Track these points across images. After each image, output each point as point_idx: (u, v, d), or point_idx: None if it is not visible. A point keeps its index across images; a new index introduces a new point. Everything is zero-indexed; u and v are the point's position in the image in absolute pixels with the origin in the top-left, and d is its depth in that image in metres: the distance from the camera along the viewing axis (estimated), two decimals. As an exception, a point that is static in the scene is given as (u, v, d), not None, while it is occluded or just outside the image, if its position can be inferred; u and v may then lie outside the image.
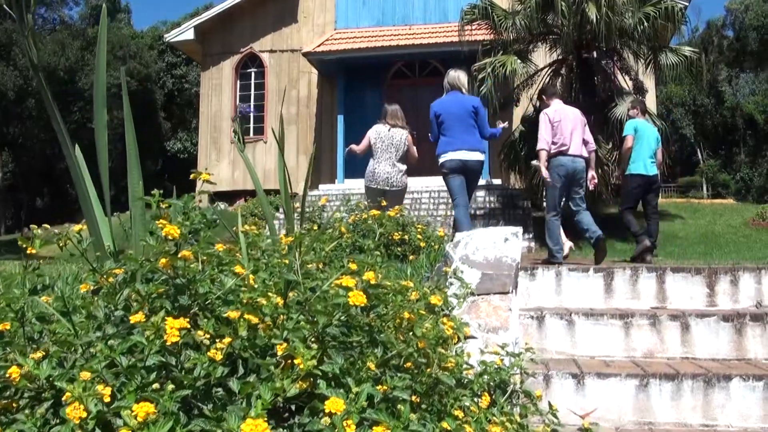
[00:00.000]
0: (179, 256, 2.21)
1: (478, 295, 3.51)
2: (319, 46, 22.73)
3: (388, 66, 23.65)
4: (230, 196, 24.99)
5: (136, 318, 1.93)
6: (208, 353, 1.87)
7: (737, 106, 44.15)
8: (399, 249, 6.35)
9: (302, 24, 24.94)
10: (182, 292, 2.25)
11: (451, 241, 4.39)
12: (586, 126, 8.94)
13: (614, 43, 17.44)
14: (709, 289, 4.61)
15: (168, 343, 1.86)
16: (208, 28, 25.49)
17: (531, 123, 18.39)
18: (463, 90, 8.79)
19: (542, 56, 19.38)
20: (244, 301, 2.25)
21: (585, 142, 8.79)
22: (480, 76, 16.86)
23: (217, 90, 25.49)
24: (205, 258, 2.43)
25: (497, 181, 20.20)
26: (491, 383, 2.76)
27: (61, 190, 42.26)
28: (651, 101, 21.42)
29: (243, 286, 2.35)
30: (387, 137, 9.46)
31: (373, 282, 2.18)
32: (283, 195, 4.03)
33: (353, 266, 2.50)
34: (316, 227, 6.39)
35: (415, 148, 9.67)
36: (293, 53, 24.49)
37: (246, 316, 2.00)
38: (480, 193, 19.60)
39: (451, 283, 3.82)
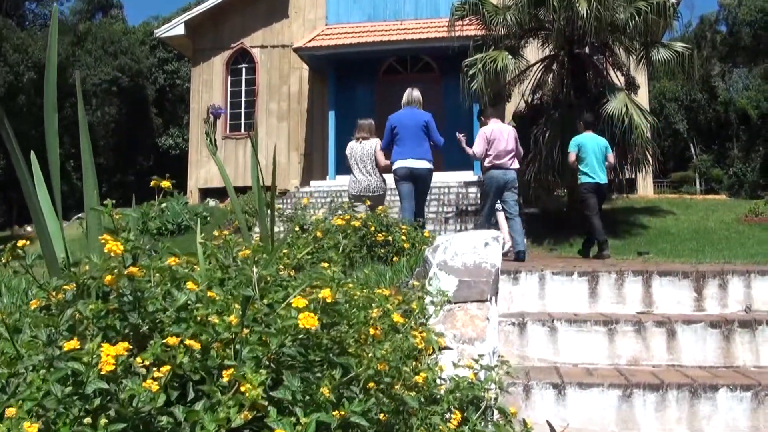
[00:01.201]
0: (126, 272, 2.07)
1: (455, 303, 3.39)
2: (309, 41, 22.59)
3: (379, 61, 23.53)
4: (221, 193, 24.83)
5: (70, 345, 1.79)
6: (144, 383, 1.73)
7: (730, 101, 44.05)
8: (382, 250, 6.22)
9: (293, 19, 24.79)
10: (132, 310, 2.12)
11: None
12: (518, 141, 10.63)
13: (606, 38, 17.34)
14: (696, 294, 4.48)
15: (103, 372, 1.72)
16: (198, 23, 25.31)
17: (522, 119, 18.29)
18: (419, 106, 9.98)
19: (534, 52, 19.26)
20: (198, 318, 2.12)
21: (516, 156, 10.46)
22: (470, 72, 16.74)
23: (208, 86, 25.33)
24: (158, 273, 2.30)
25: (489, 177, 20.05)
26: (464, 399, 2.63)
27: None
28: (643, 96, 21.34)
29: (199, 302, 2.22)
30: (358, 150, 10.20)
31: (329, 300, 2.05)
32: (256, 196, 3.88)
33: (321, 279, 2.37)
34: (297, 228, 6.25)
35: (381, 154, 10.10)
36: (284, 49, 24.34)
37: (187, 341, 1.87)
38: (472, 189, 19.51)
39: (428, 291, 3.70)
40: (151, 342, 1.99)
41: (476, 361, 2.80)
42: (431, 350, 3.04)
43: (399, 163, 9.47)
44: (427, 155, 9.55)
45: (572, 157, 11.59)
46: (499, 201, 10.77)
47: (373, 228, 6.19)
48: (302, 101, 24.56)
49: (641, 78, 19.32)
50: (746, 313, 4.37)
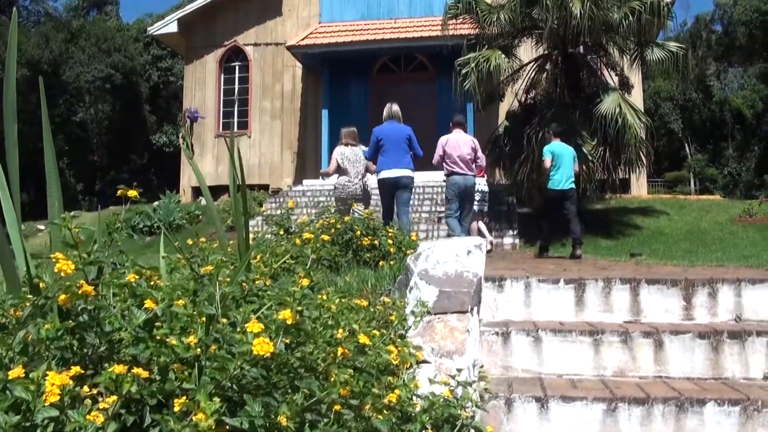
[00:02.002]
0: (80, 291, 1.97)
1: (435, 314, 3.29)
2: (303, 39, 22.47)
3: (373, 60, 23.43)
4: (214, 191, 24.68)
5: (15, 373, 1.69)
6: (89, 415, 1.63)
7: (725, 101, 43.98)
8: (368, 255, 6.13)
9: (287, 17, 24.67)
10: (89, 329, 2.03)
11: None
12: (478, 150, 11.55)
13: (600, 38, 17.29)
14: (685, 302, 4.38)
15: (46, 404, 1.62)
16: (191, 20, 25.18)
17: (516, 118, 18.22)
18: (399, 120, 10.77)
19: (527, 51, 19.20)
20: (159, 338, 2.03)
21: (475, 161, 11.36)
22: (463, 72, 16.66)
23: (201, 84, 25.21)
24: (118, 289, 2.20)
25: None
26: (439, 418, 2.53)
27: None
28: (638, 96, 21.27)
29: (159, 320, 2.13)
30: (351, 155, 10.93)
31: (290, 322, 1.95)
32: (234, 205, 3.78)
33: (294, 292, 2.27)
34: (282, 231, 6.15)
35: (371, 163, 10.99)
36: (277, 47, 24.23)
37: (135, 370, 1.77)
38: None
39: (407, 302, 3.61)
40: (106, 365, 1.90)
41: (453, 377, 2.71)
42: (409, 364, 2.95)
43: (385, 173, 10.33)
44: (410, 165, 10.46)
45: (548, 162, 12.20)
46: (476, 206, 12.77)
47: (358, 232, 6.10)
48: (295, 99, 24.46)
49: (636, 78, 19.25)
50: (736, 323, 4.28)
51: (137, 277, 2.27)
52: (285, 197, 21.20)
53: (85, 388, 1.75)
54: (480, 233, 13.82)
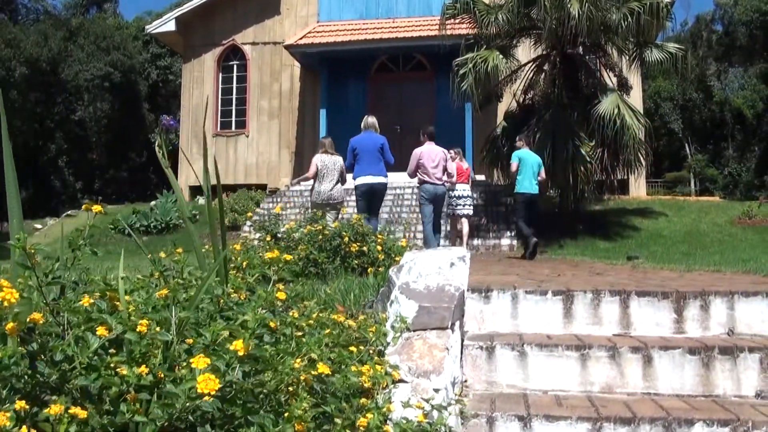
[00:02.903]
0: (29, 319, 1.87)
1: (414, 330, 3.17)
2: (301, 39, 22.38)
3: (371, 59, 23.33)
4: (211, 191, 24.61)
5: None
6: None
7: (726, 101, 43.80)
8: (356, 261, 6.03)
9: (285, 16, 24.58)
10: (38, 358, 1.93)
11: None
12: (448, 161, 12.49)
13: (598, 38, 17.18)
14: (677, 315, 4.25)
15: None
16: (189, 19, 25.09)
17: (514, 119, 18.12)
18: (375, 131, 11.72)
19: (526, 52, 19.10)
20: (113, 366, 1.92)
21: (445, 171, 12.24)
22: (461, 72, 16.55)
23: (199, 82, 25.13)
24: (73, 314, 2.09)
25: (480, 177, 19.86)
26: (413, 445, 2.43)
27: (45, 182, 41.78)
28: (637, 97, 21.16)
29: (114, 347, 2.02)
30: (330, 162, 11.70)
31: (242, 353, 1.84)
32: (209, 218, 3.67)
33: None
34: (269, 238, 6.04)
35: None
36: (276, 46, 24.14)
37: (72, 410, 1.66)
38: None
39: (388, 316, 3.50)
40: (54, 397, 1.80)
41: (428, 401, 2.60)
42: (385, 383, 2.85)
43: (360, 179, 11.26)
44: (383, 172, 11.40)
45: (514, 167, 13.21)
46: (454, 209, 14.75)
47: (346, 238, 5.99)
48: (294, 99, 24.36)
49: (635, 78, 19.15)
50: (729, 336, 4.16)
51: (93, 300, 2.17)
52: (282, 197, 21.12)
53: (24, 429, 1.63)
54: (461, 234, 15.11)
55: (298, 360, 2.13)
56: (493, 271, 8.81)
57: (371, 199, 11.40)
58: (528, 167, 13.11)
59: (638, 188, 22.49)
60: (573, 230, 17.28)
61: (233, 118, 24.92)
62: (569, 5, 15.46)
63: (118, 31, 41.47)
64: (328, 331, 3.23)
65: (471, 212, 15.34)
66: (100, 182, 43.71)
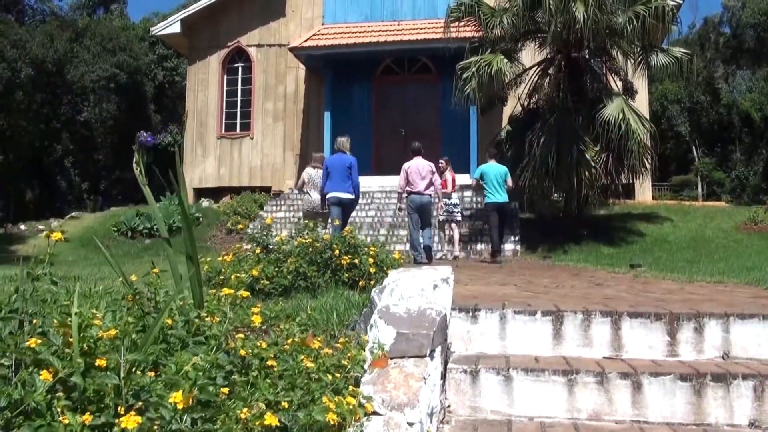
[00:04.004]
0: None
1: (392, 358, 3.06)
2: (306, 41, 22.31)
3: (376, 62, 23.25)
4: (216, 193, 24.60)
5: None
6: None
7: (733, 104, 43.50)
8: (347, 275, 5.91)
9: (290, 18, 24.51)
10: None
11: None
12: (434, 174, 13.61)
13: (603, 42, 17.05)
14: (670, 337, 4.11)
15: None
16: (194, 21, 25.05)
17: (518, 123, 17.99)
18: (346, 152, 13.12)
19: (531, 55, 18.98)
20: (59, 410, 1.82)
21: (431, 185, 13.42)
22: (464, 76, 16.44)
23: (204, 84, 25.08)
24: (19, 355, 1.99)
25: (485, 181, 19.76)
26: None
27: (50, 182, 41.81)
28: (643, 101, 21.00)
29: (65, 388, 1.91)
30: (316, 176, 13.68)
31: (181, 406, 1.73)
32: (187, 238, 3.57)
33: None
34: (259, 250, 5.93)
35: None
36: (281, 48, 24.08)
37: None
38: (467, 194, 19.27)
39: (368, 339, 3.39)
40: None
41: (403, 435, 2.49)
42: (359, 416, 2.74)
43: (330, 194, 12.81)
44: (349, 189, 12.82)
45: (474, 182, 15.12)
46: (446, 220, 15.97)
47: (337, 251, 5.88)
48: (298, 101, 24.29)
49: (641, 82, 18.98)
50: (724, 360, 4.02)
51: (42, 339, 2.06)
52: (286, 200, 21.04)
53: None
54: (451, 241, 16.24)
55: (245, 410, 2.01)
56: (491, 281, 8.70)
57: (342, 209, 12.81)
58: (492, 179, 14.47)
59: (644, 192, 22.34)
60: (578, 235, 17.16)
61: (238, 120, 24.87)
62: (574, 9, 15.33)
63: (125, 33, 41.41)
64: (303, 357, 3.13)
65: (458, 218, 16.27)
66: (105, 183, 43.68)
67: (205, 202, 24.05)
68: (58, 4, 43.42)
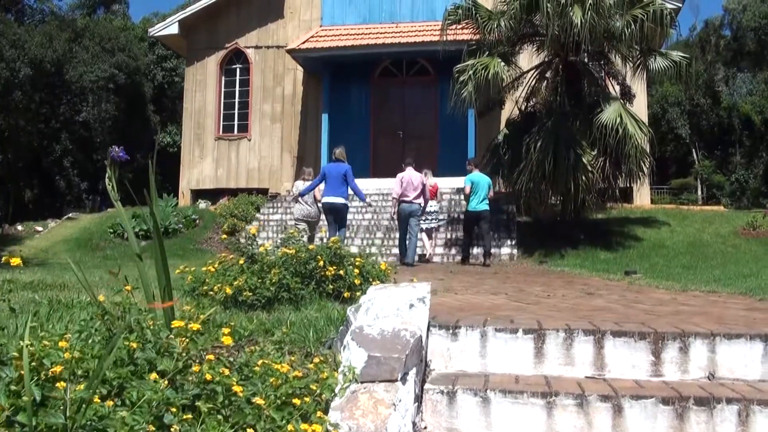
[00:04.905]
0: None
1: (362, 382, 2.97)
2: (303, 43, 22.24)
3: (374, 64, 23.17)
4: (213, 194, 24.53)
5: None
6: None
7: (734, 107, 43.39)
8: (332, 286, 5.82)
9: (288, 20, 24.44)
10: None
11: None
12: (426, 184, 15.17)
13: (601, 46, 16.97)
14: (654, 357, 4.01)
15: None
16: (192, 22, 25.00)
17: (515, 127, 17.90)
18: (343, 160, 14.33)
19: (528, 58, 18.90)
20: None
21: (422, 194, 14.86)
22: (461, 79, 16.34)
23: (202, 86, 25.01)
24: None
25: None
26: None
27: (49, 182, 41.73)
28: (642, 104, 20.94)
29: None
30: (303, 187, 15.15)
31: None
32: (158, 256, 3.48)
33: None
34: (242, 261, 5.84)
35: (318, 191, 14.71)
36: (279, 49, 24.01)
37: None
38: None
39: (341, 361, 3.30)
40: None
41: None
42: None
43: (325, 198, 14.11)
44: (344, 195, 14.14)
45: (467, 189, 15.50)
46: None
47: (321, 262, 5.79)
48: (296, 103, 24.23)
49: (639, 86, 18.91)
50: (710, 381, 3.92)
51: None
52: (282, 202, 20.96)
53: None
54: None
55: None
56: (482, 289, 8.62)
57: (335, 214, 14.15)
58: (479, 189, 15.38)
59: (642, 196, 22.25)
60: (575, 239, 17.08)
61: (235, 122, 24.82)
62: (572, 13, 15.26)
63: (124, 33, 41.34)
64: (272, 380, 3.05)
65: (434, 225, 17.06)
66: (103, 183, 43.45)
67: (203, 204, 23.99)
68: (57, 3, 43.31)
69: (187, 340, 3.09)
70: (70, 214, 26.44)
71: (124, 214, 3.58)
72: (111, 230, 20.81)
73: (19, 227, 25.68)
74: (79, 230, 22.18)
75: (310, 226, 15.08)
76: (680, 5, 20.46)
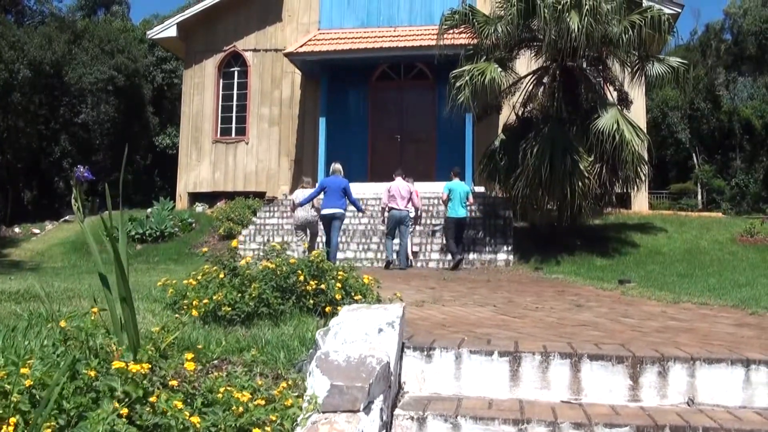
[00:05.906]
0: None
1: (323, 412, 2.89)
2: (301, 46, 22.15)
3: (372, 68, 23.09)
4: (211, 197, 24.46)
5: None
6: None
7: (734, 111, 43.24)
8: (312, 301, 5.73)
9: (287, 23, 24.38)
10: None
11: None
12: (412, 193, 16.30)
13: (599, 51, 16.89)
14: (632, 381, 3.92)
15: None
16: (191, 25, 24.93)
17: (512, 132, 17.81)
18: (340, 175, 15.42)
19: (526, 63, 18.81)
20: None
21: (410, 201, 16.17)
22: (457, 84, 16.24)
23: (200, 89, 24.95)
24: None
25: (480, 189, 19.62)
26: None
27: (48, 184, 41.70)
28: (640, 110, 20.84)
29: None
30: (302, 196, 15.64)
31: None
32: (120, 283, 3.40)
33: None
34: (223, 275, 5.75)
35: (317, 200, 15.39)
36: (277, 53, 23.93)
37: None
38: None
39: (307, 387, 3.22)
40: None
41: None
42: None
43: (324, 210, 15.10)
44: (342, 206, 15.14)
45: (444, 197, 16.38)
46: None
47: (302, 276, 5.70)
48: (294, 106, 24.17)
49: (637, 92, 18.79)
50: (689, 406, 3.83)
51: None
52: (279, 206, 20.86)
53: None
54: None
55: None
56: (471, 300, 8.53)
57: (332, 223, 15.06)
58: (457, 196, 16.18)
59: (640, 202, 22.12)
60: (571, 245, 17.00)
61: (233, 125, 24.76)
62: (569, 18, 15.17)
63: (123, 35, 41.26)
64: (233, 409, 2.98)
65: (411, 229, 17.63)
66: (103, 185, 43.40)
67: (199, 207, 23.92)
68: (57, 5, 43.27)
69: (148, 366, 3.02)
70: (67, 217, 26.38)
71: (88, 233, 3.50)
72: (106, 234, 20.71)
73: (17, 229, 25.63)
74: (76, 233, 22.13)
75: (311, 234, 15.93)
76: (680, 10, 20.37)
